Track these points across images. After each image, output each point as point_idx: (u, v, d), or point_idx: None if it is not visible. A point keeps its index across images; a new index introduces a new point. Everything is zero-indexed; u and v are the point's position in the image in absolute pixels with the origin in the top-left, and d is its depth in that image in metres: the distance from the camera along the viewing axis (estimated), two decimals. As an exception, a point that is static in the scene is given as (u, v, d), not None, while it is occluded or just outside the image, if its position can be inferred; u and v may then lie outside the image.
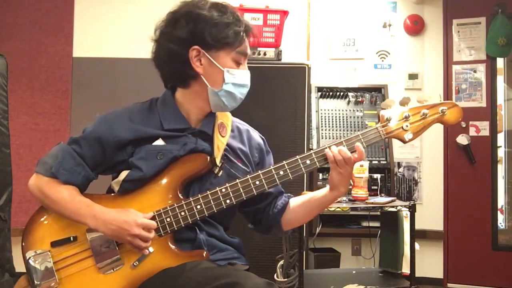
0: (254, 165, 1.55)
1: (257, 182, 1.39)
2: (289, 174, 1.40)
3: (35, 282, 1.37)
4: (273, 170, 1.40)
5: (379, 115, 1.45)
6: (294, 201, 1.58)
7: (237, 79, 1.43)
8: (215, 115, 1.50)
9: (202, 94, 1.44)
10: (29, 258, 1.38)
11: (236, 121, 1.59)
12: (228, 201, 1.38)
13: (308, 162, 1.40)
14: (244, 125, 1.61)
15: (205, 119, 1.48)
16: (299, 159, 1.40)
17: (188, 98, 1.46)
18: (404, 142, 1.45)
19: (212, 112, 1.49)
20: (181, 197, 1.40)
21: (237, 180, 1.39)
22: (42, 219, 1.43)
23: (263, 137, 1.63)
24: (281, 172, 1.40)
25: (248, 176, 1.40)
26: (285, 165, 1.40)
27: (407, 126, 1.43)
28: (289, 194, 1.60)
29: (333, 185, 1.45)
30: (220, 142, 1.46)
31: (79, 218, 1.37)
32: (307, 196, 1.56)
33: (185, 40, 1.39)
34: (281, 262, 2.32)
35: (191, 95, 1.46)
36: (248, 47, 1.46)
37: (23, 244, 1.41)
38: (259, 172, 1.40)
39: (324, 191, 1.49)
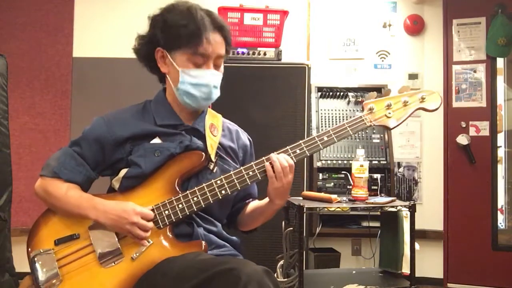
0: (240, 163, 1.61)
1: (250, 173, 1.45)
2: None
3: (39, 280, 1.39)
4: (265, 160, 1.45)
5: (363, 105, 1.56)
6: (249, 206, 1.65)
7: (193, 79, 1.46)
8: (205, 117, 1.56)
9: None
10: (34, 257, 1.42)
11: (226, 122, 1.66)
12: (223, 191, 1.43)
13: (298, 151, 1.47)
14: (234, 126, 1.68)
15: (197, 118, 1.55)
16: (289, 149, 1.47)
17: (171, 95, 1.54)
18: (389, 128, 1.56)
19: (202, 112, 1.57)
20: (179, 191, 1.45)
21: (231, 172, 1.45)
22: (46, 221, 1.48)
23: (250, 140, 1.70)
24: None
25: (242, 167, 1.45)
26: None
27: (390, 113, 1.53)
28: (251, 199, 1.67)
29: (270, 198, 1.51)
30: (213, 141, 1.52)
31: (80, 211, 1.42)
32: (254, 204, 1.64)
33: (150, 42, 1.50)
34: (281, 262, 2.32)
35: (171, 93, 1.54)
36: (210, 48, 1.45)
37: (28, 245, 1.45)
38: (252, 163, 1.45)
39: (264, 202, 1.56)
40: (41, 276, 1.39)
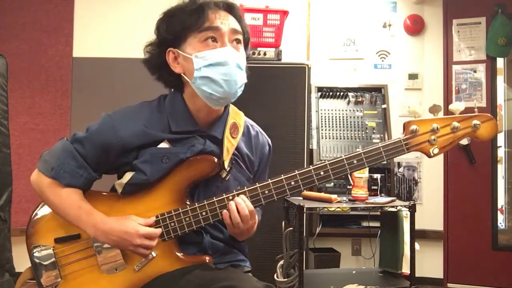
0: (254, 173, 1.52)
1: (266, 192, 1.33)
2: (301, 185, 1.33)
3: (39, 275, 1.37)
4: (284, 180, 1.33)
5: (404, 124, 1.34)
6: None
7: (208, 60, 1.31)
8: (227, 117, 1.44)
9: (194, 93, 1.37)
10: (34, 252, 1.38)
11: (248, 122, 1.53)
12: None
13: (322, 173, 1.33)
14: (254, 128, 1.54)
15: (217, 122, 1.42)
16: (312, 170, 1.34)
17: (189, 100, 1.41)
18: (429, 156, 1.34)
19: (223, 114, 1.44)
20: (187, 201, 1.37)
21: (246, 188, 1.34)
22: (46, 213, 1.42)
23: (270, 144, 1.57)
24: (292, 183, 1.33)
25: (258, 185, 1.34)
26: (297, 175, 1.33)
27: (434, 140, 1.32)
28: None
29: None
30: (230, 144, 1.41)
31: (79, 225, 1.35)
32: None
33: (159, 46, 1.40)
34: (281, 262, 2.32)
35: (189, 97, 1.41)
36: (217, 21, 1.33)
37: (28, 237, 1.40)
38: (269, 181, 1.34)
39: None
40: (42, 272, 1.37)
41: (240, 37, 1.39)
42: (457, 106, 1.37)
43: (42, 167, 1.40)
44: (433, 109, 1.35)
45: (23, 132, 3.41)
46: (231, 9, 1.39)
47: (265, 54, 3.00)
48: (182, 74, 1.38)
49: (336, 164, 1.33)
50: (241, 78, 1.35)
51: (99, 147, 1.36)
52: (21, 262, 1.49)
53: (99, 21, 3.56)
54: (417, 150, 1.34)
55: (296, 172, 1.34)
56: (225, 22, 1.35)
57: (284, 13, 3.07)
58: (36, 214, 1.43)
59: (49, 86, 3.49)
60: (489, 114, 1.36)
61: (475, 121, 1.34)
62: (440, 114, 1.35)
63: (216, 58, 1.31)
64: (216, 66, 1.31)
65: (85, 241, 1.38)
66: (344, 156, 1.34)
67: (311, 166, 1.35)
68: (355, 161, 1.33)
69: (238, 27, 1.39)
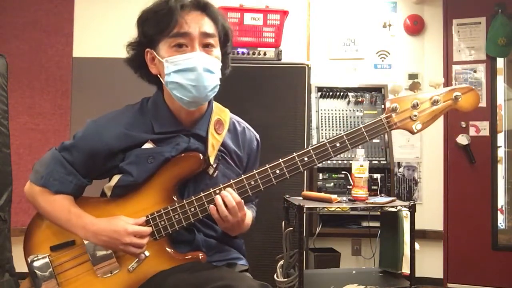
0: (244, 169, 1.52)
1: (252, 182, 1.34)
2: (286, 173, 1.34)
3: (38, 285, 1.38)
4: (269, 169, 1.34)
5: (385, 104, 1.34)
6: None
7: (177, 65, 1.31)
8: (211, 114, 1.44)
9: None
10: (32, 262, 1.40)
11: (234, 118, 1.54)
12: None
13: (306, 159, 1.34)
14: (241, 124, 1.55)
15: (200, 120, 1.43)
16: (296, 156, 1.34)
17: (168, 100, 1.42)
18: (412, 133, 1.35)
19: (206, 111, 1.44)
20: (175, 199, 1.38)
21: (232, 181, 1.35)
22: (41, 223, 1.44)
23: (258, 139, 1.57)
24: (277, 171, 1.34)
25: (243, 176, 1.35)
26: (282, 163, 1.34)
27: (415, 115, 1.32)
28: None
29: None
30: (215, 140, 1.42)
31: (70, 229, 1.37)
32: None
33: (138, 46, 1.40)
34: (281, 262, 2.32)
35: (167, 97, 1.42)
36: (187, 26, 1.31)
37: (25, 247, 1.43)
38: (254, 171, 1.34)
39: None
40: (40, 282, 1.38)
41: (213, 39, 1.36)
42: (437, 80, 1.35)
43: (33, 177, 1.43)
44: (413, 86, 1.39)
45: (23, 132, 3.41)
46: (204, 9, 1.36)
47: (265, 54, 3.00)
48: (158, 75, 1.39)
49: (319, 148, 1.34)
50: (212, 82, 1.34)
51: (86, 153, 1.38)
52: (21, 262, 1.50)
53: (99, 21, 3.56)
54: (400, 128, 1.34)
55: (281, 160, 1.34)
56: (194, 26, 1.32)
57: (284, 13, 3.07)
58: (32, 224, 1.45)
59: (49, 86, 3.49)
60: (470, 86, 1.35)
61: (456, 93, 1.32)
62: (420, 91, 1.36)
63: (184, 64, 1.31)
64: (184, 72, 1.31)
65: (79, 247, 1.39)
66: (327, 140, 1.34)
67: (294, 153, 1.34)
68: (337, 144, 1.34)
69: (210, 29, 1.36)
